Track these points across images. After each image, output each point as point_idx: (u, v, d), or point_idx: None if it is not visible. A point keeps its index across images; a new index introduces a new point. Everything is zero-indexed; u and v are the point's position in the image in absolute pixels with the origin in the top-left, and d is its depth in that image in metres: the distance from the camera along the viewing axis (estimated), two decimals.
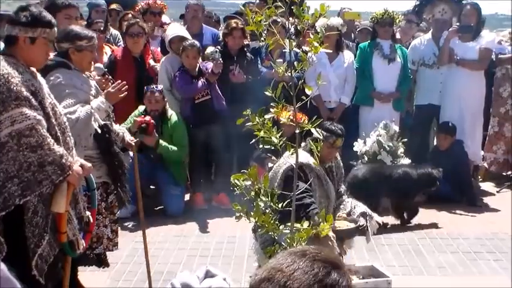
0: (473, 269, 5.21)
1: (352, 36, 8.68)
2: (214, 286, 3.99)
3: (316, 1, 3.20)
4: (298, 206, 3.61)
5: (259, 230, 3.62)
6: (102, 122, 4.22)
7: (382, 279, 4.45)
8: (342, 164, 5.00)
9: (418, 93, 7.85)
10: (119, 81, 4.54)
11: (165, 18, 8.33)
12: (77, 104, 4.12)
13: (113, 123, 4.45)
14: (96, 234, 4.36)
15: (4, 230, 3.28)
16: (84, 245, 3.71)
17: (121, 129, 4.65)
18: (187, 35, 6.99)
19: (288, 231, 3.34)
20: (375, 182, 6.21)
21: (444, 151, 7.12)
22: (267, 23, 3.18)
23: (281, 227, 3.34)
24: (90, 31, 4.47)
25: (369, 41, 7.59)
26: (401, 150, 6.82)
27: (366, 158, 6.81)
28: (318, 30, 3.37)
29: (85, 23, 6.92)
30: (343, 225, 4.59)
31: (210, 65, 6.67)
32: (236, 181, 3.25)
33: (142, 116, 6.19)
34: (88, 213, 3.78)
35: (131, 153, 4.88)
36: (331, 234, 4.09)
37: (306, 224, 3.30)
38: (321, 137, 3.51)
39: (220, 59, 6.64)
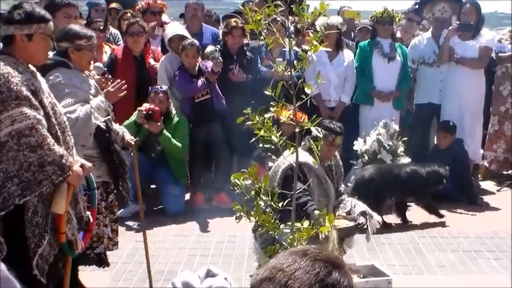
0: (473, 267, 5.21)
1: (352, 35, 8.67)
2: (215, 285, 4.00)
3: (316, 0, 3.20)
4: (296, 206, 3.60)
5: (259, 229, 3.62)
6: (103, 120, 4.22)
7: (382, 278, 4.45)
8: (341, 162, 4.99)
9: (418, 92, 7.84)
10: (118, 80, 4.54)
11: (164, 17, 8.33)
12: (76, 103, 4.11)
13: (113, 122, 4.45)
14: (96, 234, 4.35)
15: (4, 230, 3.28)
16: (83, 244, 3.71)
17: (121, 128, 4.65)
18: (186, 33, 6.98)
19: (288, 230, 3.34)
20: (383, 181, 6.22)
21: (444, 150, 7.12)
22: (266, 22, 3.18)
23: (281, 227, 3.33)
24: (89, 30, 4.47)
25: (368, 40, 7.58)
26: (401, 149, 6.82)
27: (366, 157, 6.81)
28: (318, 29, 3.36)
29: (84, 22, 6.90)
30: (342, 224, 4.59)
31: (209, 64, 6.67)
32: (236, 180, 3.25)
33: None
34: (88, 212, 3.77)
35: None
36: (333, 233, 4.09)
37: (306, 223, 3.30)
38: (321, 136, 3.51)
39: (220, 58, 6.64)
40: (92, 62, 4.48)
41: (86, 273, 4.62)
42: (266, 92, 3.23)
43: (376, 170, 6.32)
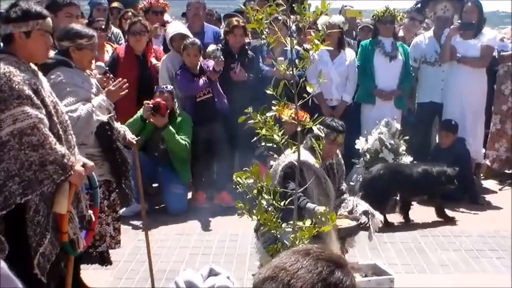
0: (475, 267, 5.21)
1: (354, 33, 8.67)
2: (218, 284, 4.00)
3: None
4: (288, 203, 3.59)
5: (261, 228, 3.62)
6: (106, 117, 4.22)
7: (384, 277, 4.45)
8: (343, 161, 4.98)
9: (419, 91, 7.83)
10: (120, 79, 4.55)
11: (166, 16, 8.32)
12: (78, 102, 4.12)
13: (114, 121, 4.45)
14: (98, 232, 4.36)
15: (5, 229, 3.28)
16: (85, 243, 3.71)
17: (122, 127, 4.65)
18: (187, 32, 6.98)
19: (290, 229, 3.34)
20: (392, 179, 6.25)
21: (446, 149, 7.11)
22: (268, 21, 3.18)
23: (283, 225, 3.33)
24: (90, 29, 4.47)
25: (370, 39, 7.58)
26: (403, 148, 6.82)
27: (368, 156, 6.81)
28: (320, 28, 3.35)
29: (86, 21, 6.91)
30: (344, 223, 4.58)
31: (211, 63, 6.66)
32: (238, 179, 3.25)
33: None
34: (90, 211, 3.77)
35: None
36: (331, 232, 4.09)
37: (308, 222, 3.30)
38: (322, 135, 3.51)
39: (222, 57, 6.64)
40: (93, 61, 4.48)
41: (88, 272, 4.63)
42: (268, 91, 3.23)
43: (385, 168, 6.35)
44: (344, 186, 4.96)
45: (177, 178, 6.61)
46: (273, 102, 3.24)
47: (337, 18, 7.28)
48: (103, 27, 6.96)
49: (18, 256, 3.26)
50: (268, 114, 3.23)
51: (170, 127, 6.38)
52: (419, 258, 5.36)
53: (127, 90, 4.52)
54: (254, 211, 3.26)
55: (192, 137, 6.67)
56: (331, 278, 1.56)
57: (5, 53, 3.40)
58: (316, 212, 4.20)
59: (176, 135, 6.43)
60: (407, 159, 6.73)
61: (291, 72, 3.29)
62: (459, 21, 7.37)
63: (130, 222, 6.12)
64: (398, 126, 6.92)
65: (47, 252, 3.39)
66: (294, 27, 6.80)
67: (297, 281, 1.54)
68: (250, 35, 7.47)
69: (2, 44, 3.53)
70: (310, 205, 4.27)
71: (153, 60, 6.96)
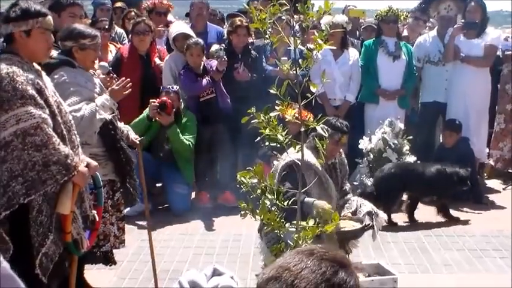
0: (479, 266, 5.20)
1: (357, 33, 8.67)
2: (222, 284, 4.00)
3: None
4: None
5: (265, 228, 3.62)
6: (109, 117, 4.22)
7: (388, 277, 4.45)
8: (346, 161, 4.97)
9: (423, 91, 7.83)
10: (123, 78, 4.55)
11: (170, 16, 8.33)
12: (81, 102, 4.12)
13: (118, 120, 4.45)
14: (102, 232, 4.36)
15: (9, 229, 3.28)
16: (89, 243, 3.71)
17: (125, 127, 4.65)
18: (190, 32, 6.98)
19: (294, 229, 3.33)
20: (405, 178, 6.27)
21: (450, 148, 7.10)
22: (271, 20, 3.17)
23: (287, 225, 3.33)
24: (93, 30, 4.47)
25: (373, 39, 7.57)
26: (406, 147, 6.82)
27: (372, 156, 6.81)
28: (323, 28, 3.35)
29: (89, 21, 6.91)
30: (348, 225, 4.57)
31: (214, 63, 6.66)
32: (242, 179, 3.25)
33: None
34: (94, 211, 3.77)
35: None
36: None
37: (311, 222, 3.29)
38: (326, 135, 3.50)
39: (225, 57, 6.63)
40: (96, 61, 4.48)
41: (92, 272, 4.63)
42: (271, 91, 3.22)
43: (397, 166, 6.38)
44: (347, 186, 4.95)
45: (180, 178, 6.61)
46: (276, 102, 3.24)
47: (341, 18, 7.28)
48: (106, 27, 6.97)
49: (21, 256, 3.26)
50: (271, 114, 3.23)
51: (175, 126, 6.39)
52: (422, 257, 5.36)
53: (130, 90, 4.53)
54: (257, 211, 3.26)
55: (196, 137, 6.68)
56: (335, 279, 1.56)
57: (9, 53, 3.41)
58: (316, 205, 4.20)
59: (180, 134, 6.44)
60: (410, 159, 6.73)
61: (295, 72, 3.28)
62: (462, 20, 7.36)
63: (134, 222, 6.12)
64: (401, 125, 6.91)
65: (50, 253, 3.38)
66: (297, 27, 6.80)
67: (300, 281, 1.54)
68: (253, 35, 7.47)
69: (5, 44, 3.53)
70: (308, 199, 4.25)
71: (157, 60, 6.96)
